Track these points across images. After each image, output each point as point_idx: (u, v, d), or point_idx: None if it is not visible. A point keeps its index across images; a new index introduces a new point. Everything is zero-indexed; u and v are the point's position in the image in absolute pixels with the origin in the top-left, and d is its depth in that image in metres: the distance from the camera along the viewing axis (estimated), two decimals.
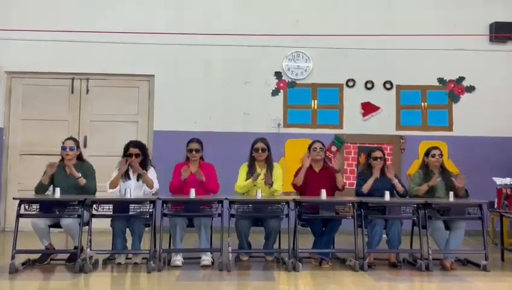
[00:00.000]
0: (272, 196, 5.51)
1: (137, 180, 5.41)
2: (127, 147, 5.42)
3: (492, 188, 5.84)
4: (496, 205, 5.74)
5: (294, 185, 5.58)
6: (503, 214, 5.69)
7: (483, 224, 5.20)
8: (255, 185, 5.47)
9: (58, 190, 5.01)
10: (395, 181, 5.49)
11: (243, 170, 5.60)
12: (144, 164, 5.43)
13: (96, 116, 7.62)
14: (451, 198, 5.29)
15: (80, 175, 5.26)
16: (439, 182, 5.43)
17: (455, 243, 5.23)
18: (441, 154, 5.58)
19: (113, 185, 5.34)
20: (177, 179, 5.44)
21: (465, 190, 5.44)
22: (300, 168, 5.59)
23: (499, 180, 5.75)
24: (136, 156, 5.36)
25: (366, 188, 5.47)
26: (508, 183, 5.64)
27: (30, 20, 7.37)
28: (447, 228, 5.32)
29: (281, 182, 5.58)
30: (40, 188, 5.26)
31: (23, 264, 4.99)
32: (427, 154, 5.63)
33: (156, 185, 5.41)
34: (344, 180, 5.62)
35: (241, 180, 5.54)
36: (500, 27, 7.62)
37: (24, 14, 7.51)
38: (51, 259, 5.25)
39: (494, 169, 6.91)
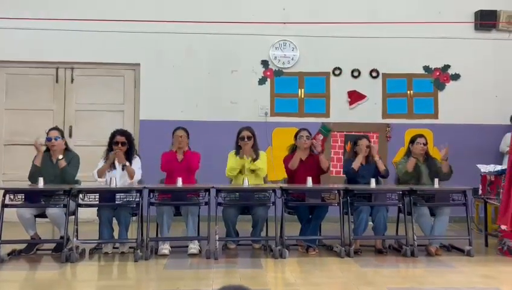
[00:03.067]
0: (257, 178, 5.53)
1: (123, 169, 5.38)
2: (112, 136, 5.40)
3: (477, 174, 5.91)
4: (480, 192, 5.80)
5: (288, 170, 5.60)
6: (487, 200, 5.76)
7: (467, 210, 5.28)
8: (242, 174, 5.49)
9: (41, 179, 4.98)
10: (377, 158, 5.54)
11: (232, 156, 5.61)
12: (130, 153, 5.41)
13: (81, 105, 7.54)
14: (436, 185, 5.36)
15: (62, 157, 5.23)
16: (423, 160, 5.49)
17: (440, 229, 5.30)
18: (426, 143, 5.64)
19: (100, 174, 5.33)
20: (165, 164, 5.47)
21: (450, 167, 5.54)
22: (288, 160, 5.62)
23: (483, 167, 5.81)
24: (122, 144, 5.35)
25: (356, 165, 5.52)
26: (492, 170, 5.70)
27: (13, 8, 7.24)
28: (432, 214, 5.39)
29: (266, 165, 5.61)
30: (35, 171, 5.21)
31: (8, 254, 4.97)
32: (412, 142, 5.70)
33: (138, 176, 5.39)
34: (328, 163, 5.66)
35: (231, 165, 5.55)
36: (485, 15, 7.65)
37: (7, 1, 7.38)
38: (37, 249, 5.23)
39: (478, 156, 6.98)
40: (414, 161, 5.50)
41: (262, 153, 5.66)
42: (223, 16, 7.41)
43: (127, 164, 5.32)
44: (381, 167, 5.58)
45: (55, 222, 5.12)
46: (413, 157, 5.57)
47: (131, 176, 5.32)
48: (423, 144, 5.62)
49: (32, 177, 5.25)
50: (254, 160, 5.49)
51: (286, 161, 5.68)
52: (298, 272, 4.58)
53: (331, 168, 7.40)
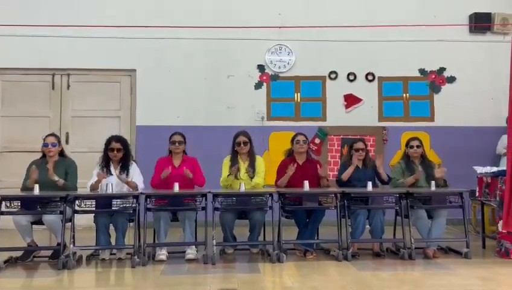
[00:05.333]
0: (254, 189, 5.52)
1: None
2: (108, 142, 5.40)
3: (474, 177, 5.92)
4: (477, 194, 5.81)
5: (277, 186, 5.60)
6: (484, 202, 5.77)
7: (464, 212, 5.28)
8: (238, 179, 5.48)
9: (37, 186, 4.97)
10: (381, 168, 5.55)
11: (226, 163, 5.59)
12: (126, 159, 5.40)
13: (77, 112, 7.54)
14: (433, 187, 5.36)
15: (58, 179, 5.17)
16: (422, 174, 5.50)
17: (437, 232, 5.30)
18: (419, 145, 5.64)
19: (93, 189, 5.27)
20: (158, 176, 5.39)
21: (444, 181, 5.53)
22: (284, 164, 5.60)
23: (479, 169, 5.82)
24: (118, 150, 5.35)
25: (345, 175, 5.53)
26: (489, 171, 5.71)
27: (9, 15, 7.24)
28: (429, 216, 5.40)
29: (263, 175, 5.60)
30: (26, 189, 5.19)
31: (5, 262, 4.95)
32: (407, 145, 5.71)
33: (140, 184, 5.37)
34: (328, 175, 5.69)
35: (225, 175, 5.54)
36: (479, 18, 7.69)
37: (2, 8, 7.38)
38: (34, 256, 5.20)
39: (475, 158, 6.99)
40: (413, 181, 5.48)
41: (258, 158, 5.65)
42: (218, 21, 7.42)
43: (128, 180, 5.30)
44: (384, 176, 5.59)
45: (52, 228, 5.11)
46: (413, 165, 5.58)
47: (133, 187, 5.30)
48: (416, 146, 5.63)
49: (23, 191, 5.24)
50: (251, 178, 5.47)
51: (280, 169, 5.65)
52: (296, 276, 4.57)
53: (328, 172, 7.43)
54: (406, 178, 5.51)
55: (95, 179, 5.31)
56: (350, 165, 5.59)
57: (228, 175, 5.47)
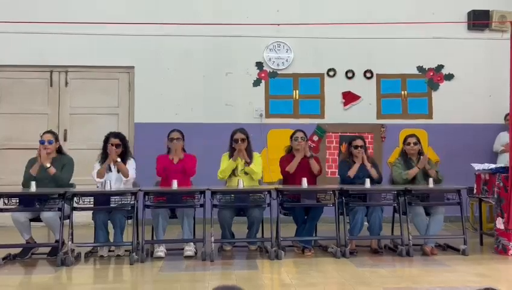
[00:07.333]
0: (252, 180, 5.52)
1: (118, 172, 5.38)
2: (107, 139, 5.41)
3: (472, 174, 5.92)
4: (475, 191, 5.82)
5: (285, 172, 5.58)
6: (481, 199, 5.78)
7: (461, 209, 5.31)
8: (236, 176, 5.49)
9: (33, 183, 4.96)
10: (369, 167, 5.55)
11: (225, 157, 5.60)
12: (124, 155, 5.41)
13: (76, 109, 7.52)
14: (431, 184, 5.37)
15: (50, 165, 5.17)
16: (427, 161, 5.49)
17: (435, 229, 5.32)
18: (416, 142, 5.65)
19: (100, 175, 5.31)
20: (161, 165, 5.45)
21: (436, 172, 5.54)
22: (286, 159, 5.61)
23: (477, 166, 5.81)
24: (117, 146, 5.35)
25: (352, 172, 5.52)
26: (487, 168, 5.71)
27: (6, 12, 7.22)
28: (427, 213, 5.41)
29: (260, 167, 5.60)
30: (30, 180, 5.14)
31: (3, 259, 4.94)
32: (404, 141, 5.72)
33: (132, 175, 5.39)
34: (319, 166, 5.65)
35: (223, 167, 5.55)
36: (477, 15, 7.68)
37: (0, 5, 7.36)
38: (32, 253, 5.22)
39: (473, 155, 7.00)
40: (417, 170, 5.50)
41: (256, 155, 5.65)
42: (217, 19, 7.39)
43: (119, 160, 5.31)
44: (374, 175, 5.57)
45: (50, 225, 5.11)
46: (411, 161, 5.57)
47: (124, 173, 5.32)
48: (413, 143, 5.63)
49: (26, 185, 5.22)
50: (248, 163, 5.48)
51: (282, 161, 5.67)
52: (294, 273, 4.58)
53: (326, 169, 7.45)
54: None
55: (97, 166, 5.33)
56: (350, 162, 5.60)
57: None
